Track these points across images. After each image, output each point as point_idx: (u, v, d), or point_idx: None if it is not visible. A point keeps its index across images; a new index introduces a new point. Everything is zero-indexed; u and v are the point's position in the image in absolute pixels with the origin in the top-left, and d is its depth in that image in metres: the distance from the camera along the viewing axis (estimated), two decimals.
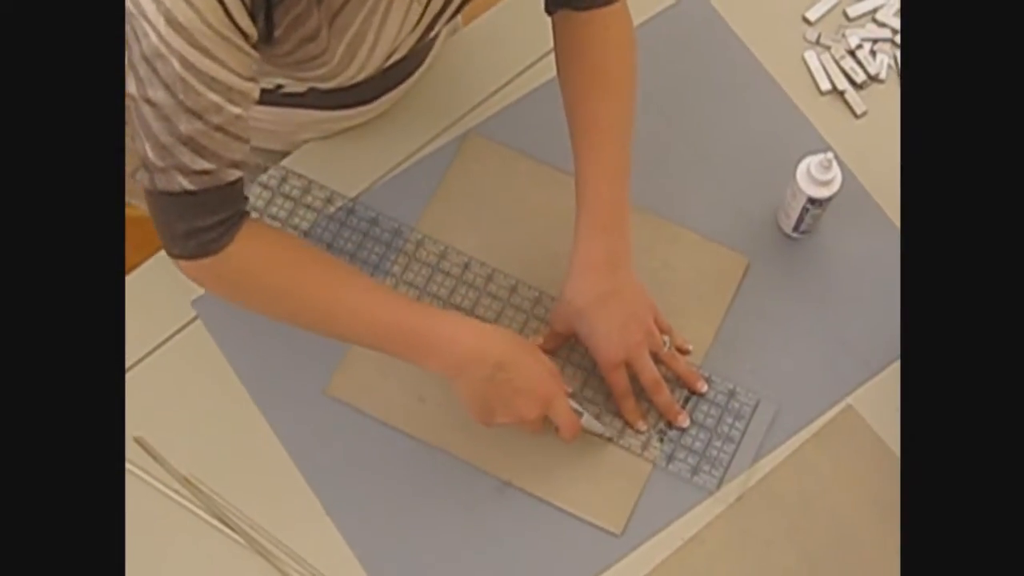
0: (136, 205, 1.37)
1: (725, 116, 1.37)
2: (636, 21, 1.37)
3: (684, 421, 1.23)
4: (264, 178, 1.33)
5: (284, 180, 1.33)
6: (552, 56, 1.24)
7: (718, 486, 1.22)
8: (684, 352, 1.26)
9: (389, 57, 1.14)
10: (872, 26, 1.40)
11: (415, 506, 1.22)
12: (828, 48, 1.39)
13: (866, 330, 1.28)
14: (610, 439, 1.23)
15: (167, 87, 0.96)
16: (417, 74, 1.35)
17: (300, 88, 1.22)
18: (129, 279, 1.28)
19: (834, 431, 1.24)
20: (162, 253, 1.26)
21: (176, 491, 1.22)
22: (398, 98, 1.35)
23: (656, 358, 1.22)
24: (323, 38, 1.05)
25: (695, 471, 1.22)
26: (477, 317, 1.26)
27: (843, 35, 1.40)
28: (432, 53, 1.36)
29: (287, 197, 1.32)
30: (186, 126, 0.99)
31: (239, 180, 1.06)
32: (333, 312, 1.13)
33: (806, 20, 1.41)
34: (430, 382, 1.23)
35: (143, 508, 1.21)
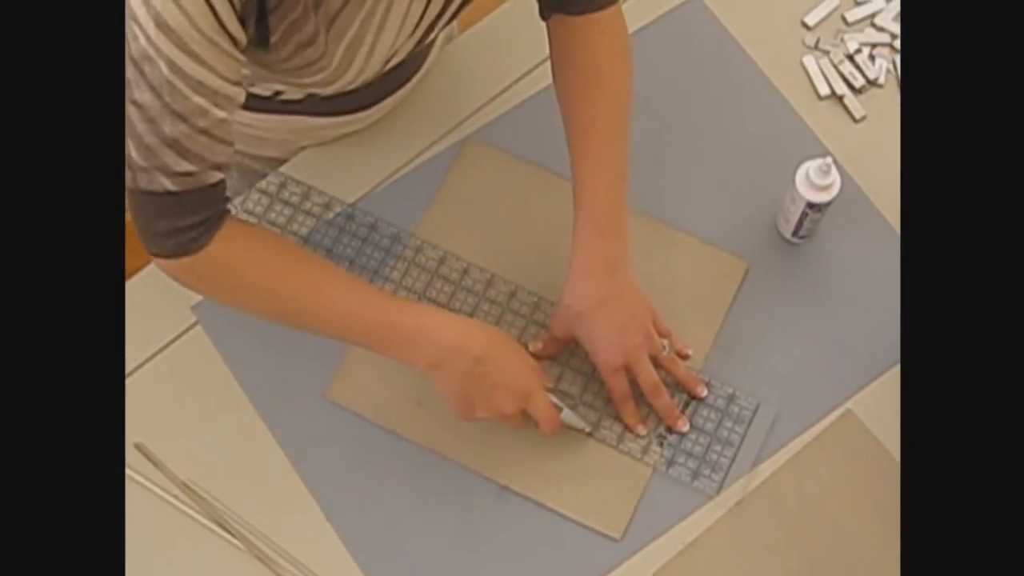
0: None
1: (724, 121, 1.37)
2: (635, 26, 1.37)
3: (684, 425, 1.23)
4: (263, 184, 1.33)
5: (283, 186, 1.33)
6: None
7: (718, 490, 1.22)
8: (683, 356, 1.26)
9: (387, 62, 1.14)
10: (871, 31, 1.41)
11: (414, 510, 1.22)
12: (827, 53, 1.39)
13: (866, 334, 1.28)
14: (590, 434, 1.23)
15: (153, 89, 0.97)
16: (415, 80, 1.35)
17: (298, 95, 1.22)
18: (129, 284, 1.28)
19: (834, 435, 1.24)
20: None
21: (176, 496, 1.22)
22: (396, 104, 1.35)
23: (655, 362, 1.22)
24: (321, 43, 1.05)
25: (695, 475, 1.22)
26: None
27: (842, 40, 1.40)
28: (429, 59, 1.36)
29: (286, 203, 1.32)
30: (171, 128, 0.99)
31: (221, 182, 1.07)
32: (312, 308, 1.13)
33: (805, 25, 1.41)
34: (429, 386, 1.23)
35: (143, 514, 1.21)
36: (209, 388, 1.26)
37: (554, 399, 1.19)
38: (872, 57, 1.39)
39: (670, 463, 1.23)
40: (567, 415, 1.20)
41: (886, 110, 1.37)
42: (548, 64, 1.24)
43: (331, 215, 1.32)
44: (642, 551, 1.20)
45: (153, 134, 0.99)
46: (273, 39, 1.01)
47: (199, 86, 0.97)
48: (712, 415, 1.24)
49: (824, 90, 1.38)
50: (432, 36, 1.17)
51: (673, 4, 1.41)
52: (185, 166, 1.02)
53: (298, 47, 1.03)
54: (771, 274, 1.30)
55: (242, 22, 0.97)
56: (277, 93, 1.22)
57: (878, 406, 1.25)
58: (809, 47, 1.40)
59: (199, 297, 1.27)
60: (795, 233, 1.29)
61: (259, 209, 1.32)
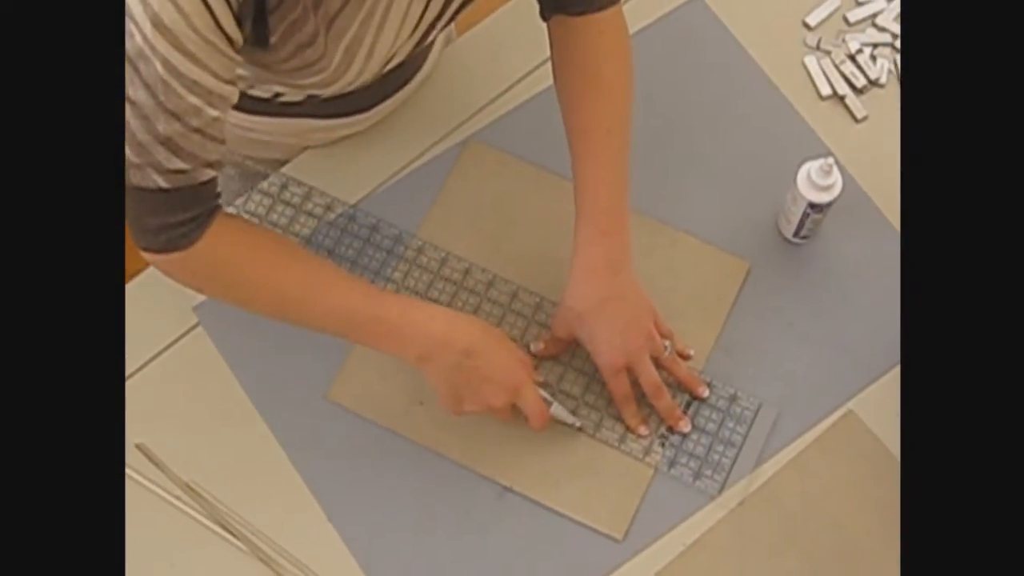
0: None
1: (725, 121, 1.37)
2: (636, 26, 1.37)
3: (685, 426, 1.23)
4: (264, 185, 1.33)
5: (284, 187, 1.33)
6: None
7: (720, 491, 1.22)
8: (685, 357, 1.26)
9: (387, 63, 1.14)
10: (872, 31, 1.41)
11: (417, 511, 1.22)
12: (828, 53, 1.39)
13: (867, 335, 1.28)
14: (580, 429, 1.23)
15: (148, 87, 0.97)
16: (415, 81, 1.35)
17: (298, 96, 1.22)
18: (130, 286, 1.28)
19: (835, 436, 1.24)
20: None
21: (178, 497, 1.22)
22: (396, 105, 1.35)
23: (657, 363, 1.22)
24: (320, 43, 1.05)
25: (697, 476, 1.22)
26: None
27: (843, 40, 1.40)
28: (429, 61, 1.36)
29: (288, 204, 1.33)
30: (165, 127, 0.99)
31: (213, 179, 1.07)
32: (301, 302, 1.13)
33: (806, 25, 1.41)
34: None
35: (145, 515, 1.21)
36: (211, 389, 1.26)
37: (544, 393, 1.19)
38: (873, 57, 1.39)
39: (672, 463, 1.23)
40: (556, 409, 1.20)
41: (888, 110, 1.37)
42: (549, 65, 1.24)
43: (333, 216, 1.32)
44: (644, 551, 1.20)
45: (146, 131, 1.00)
46: (273, 39, 1.01)
47: (194, 85, 0.98)
48: (714, 415, 1.24)
49: (825, 90, 1.38)
50: (431, 37, 1.17)
51: (674, 4, 1.41)
52: (177, 164, 1.02)
53: (298, 48, 1.04)
54: (773, 274, 1.30)
55: (239, 22, 0.97)
56: (277, 95, 1.23)
57: (879, 407, 1.25)
58: (810, 47, 1.40)
59: (201, 298, 1.27)
60: (796, 233, 1.29)
61: (261, 210, 1.32)
